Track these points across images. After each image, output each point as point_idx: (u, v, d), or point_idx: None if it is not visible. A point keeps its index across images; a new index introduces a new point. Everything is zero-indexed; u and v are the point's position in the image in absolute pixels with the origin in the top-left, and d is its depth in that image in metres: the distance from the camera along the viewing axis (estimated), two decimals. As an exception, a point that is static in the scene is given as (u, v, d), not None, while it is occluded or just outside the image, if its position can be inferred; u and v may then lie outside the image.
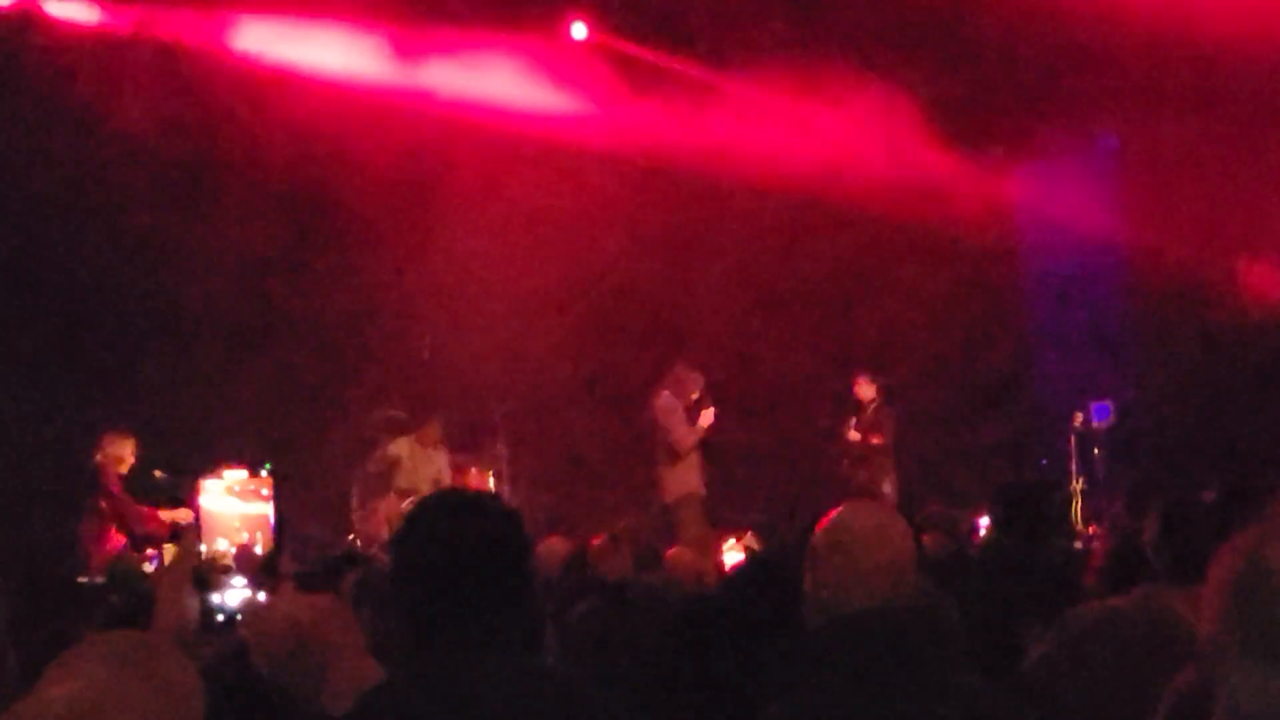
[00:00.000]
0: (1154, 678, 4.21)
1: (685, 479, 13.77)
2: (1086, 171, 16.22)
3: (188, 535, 3.26)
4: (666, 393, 13.86)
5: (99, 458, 12.45)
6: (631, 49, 15.55)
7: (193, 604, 3.65)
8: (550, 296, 15.10)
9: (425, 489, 13.68)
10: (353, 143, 14.08)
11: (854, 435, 14.69)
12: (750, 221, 15.48)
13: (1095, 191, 15.97)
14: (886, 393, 14.79)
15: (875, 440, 14.64)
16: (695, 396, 13.82)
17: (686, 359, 14.03)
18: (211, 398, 14.02)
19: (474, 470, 14.25)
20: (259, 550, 3.21)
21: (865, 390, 14.81)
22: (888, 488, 14.23)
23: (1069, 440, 14.25)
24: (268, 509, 3.14)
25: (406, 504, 13.78)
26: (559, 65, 15.29)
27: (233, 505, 3.06)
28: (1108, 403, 14.33)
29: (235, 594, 3.65)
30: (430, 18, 14.59)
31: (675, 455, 13.75)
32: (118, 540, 12.21)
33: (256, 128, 13.82)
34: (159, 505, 12.64)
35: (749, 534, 12.39)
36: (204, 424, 13.73)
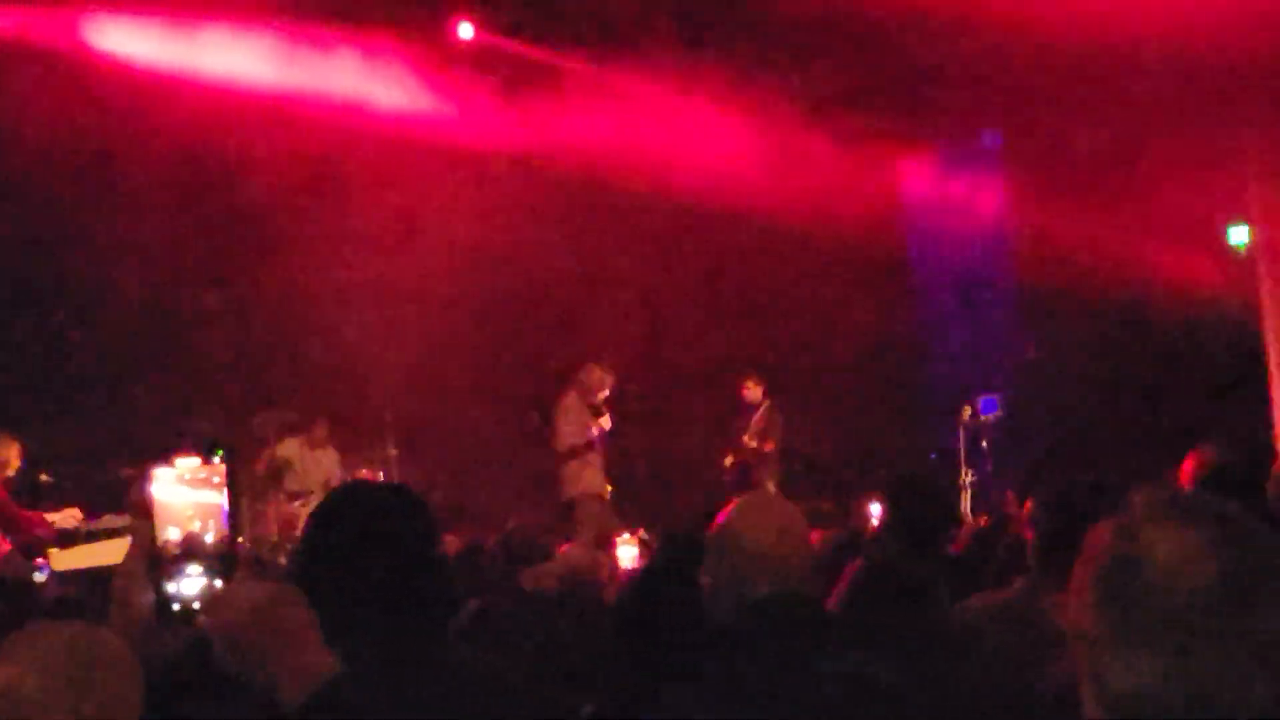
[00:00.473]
0: (1027, 670, 4.32)
1: (583, 478, 13.81)
2: (972, 169, 16.42)
3: (141, 525, 3.21)
4: (573, 393, 13.93)
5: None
6: (518, 49, 15.52)
7: (148, 595, 3.61)
8: (444, 296, 15.04)
9: (315, 490, 13.62)
10: (245, 143, 13.97)
11: (750, 442, 14.86)
12: (645, 222, 15.51)
13: (981, 189, 16.17)
14: (773, 394, 14.97)
15: (767, 447, 14.88)
16: (603, 397, 13.88)
17: (600, 360, 14.07)
18: (93, 401, 13.86)
19: (364, 471, 14.17)
20: (209, 538, 3.19)
21: (753, 393, 14.99)
22: (771, 488, 14.36)
23: (958, 434, 14.40)
24: (220, 497, 3.11)
25: (296, 505, 13.72)
26: (447, 65, 15.22)
27: (184, 494, 3.06)
28: (995, 396, 14.51)
29: (191, 582, 3.60)
30: (315, 18, 14.47)
31: (571, 455, 13.80)
32: (3, 546, 12.02)
33: (148, 131, 13.64)
34: (46, 509, 12.47)
35: (642, 530, 12.43)
36: (87, 425, 13.59)
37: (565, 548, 8.31)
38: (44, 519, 12.30)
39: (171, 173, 13.92)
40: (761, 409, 14.97)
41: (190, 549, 3.62)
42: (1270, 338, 15.12)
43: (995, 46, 13.65)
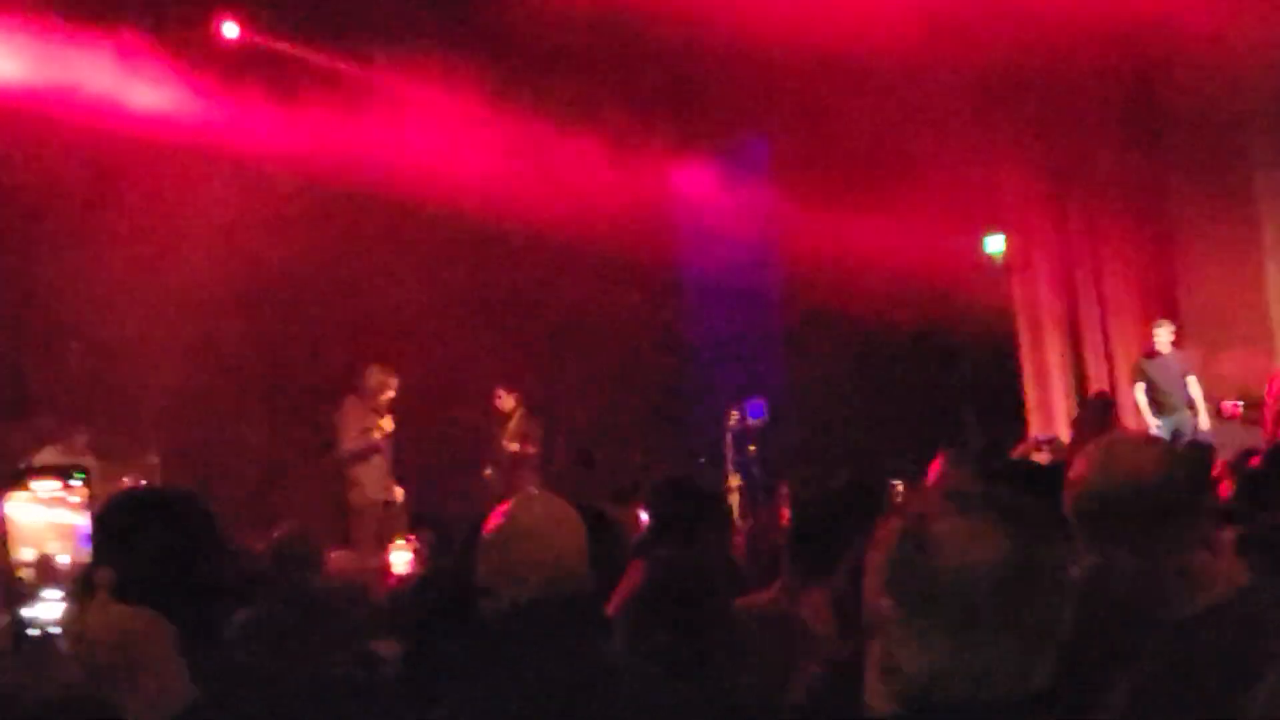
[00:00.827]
0: (783, 671, 4.41)
1: (365, 482, 13.76)
2: (738, 176, 16.62)
3: None
4: (353, 397, 13.83)
5: None
6: (284, 48, 15.29)
7: (2, 619, 3.47)
8: (211, 302, 14.75)
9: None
10: (4, 144, 13.56)
11: (511, 446, 14.94)
12: (415, 228, 15.40)
13: (747, 195, 16.38)
14: (528, 403, 15.10)
15: (529, 450, 14.96)
16: (385, 399, 13.82)
17: (381, 363, 13.97)
18: None
19: (125, 480, 13.84)
20: (63, 560, 3.06)
21: (505, 402, 15.18)
22: (534, 492, 14.40)
23: (725, 438, 14.54)
24: (80, 519, 2.99)
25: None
26: (212, 65, 14.93)
27: (41, 515, 2.93)
28: (762, 400, 14.68)
29: (49, 607, 3.45)
30: (71, 15, 14.09)
31: (353, 459, 13.74)
32: None
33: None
34: None
35: (415, 536, 12.35)
36: None
37: (333, 555, 8.22)
38: None
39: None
40: (516, 415, 15.08)
41: (48, 572, 3.49)
42: (1023, 342, 15.63)
43: (760, 50, 13.84)
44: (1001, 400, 15.15)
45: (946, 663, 2.30)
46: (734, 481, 14.26)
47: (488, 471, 15.14)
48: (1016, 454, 11.74)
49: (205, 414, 14.99)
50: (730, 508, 13.55)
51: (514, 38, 14.69)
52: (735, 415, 14.56)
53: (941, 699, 2.31)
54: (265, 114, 14.82)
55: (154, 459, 14.28)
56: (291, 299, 15.44)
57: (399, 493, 14.12)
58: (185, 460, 14.49)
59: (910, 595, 2.33)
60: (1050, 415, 15.33)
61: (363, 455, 13.80)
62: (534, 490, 14.18)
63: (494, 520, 4.09)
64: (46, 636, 3.40)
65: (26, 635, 3.38)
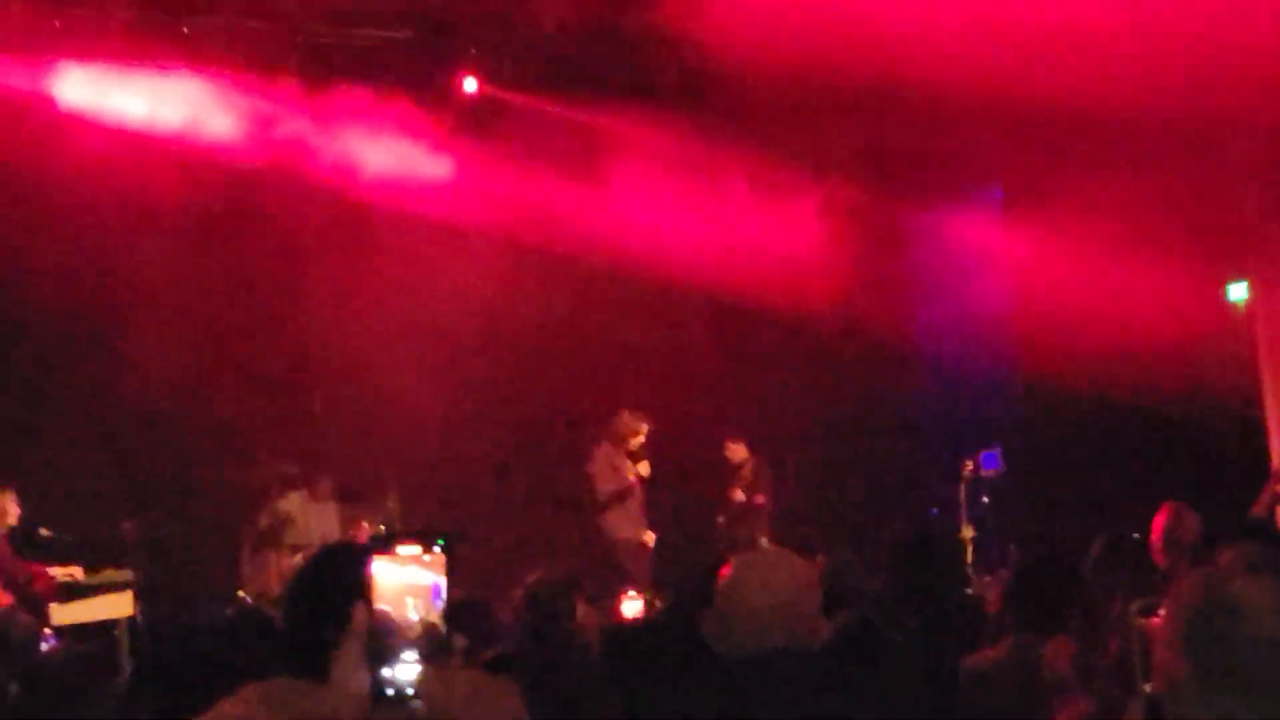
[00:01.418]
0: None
1: (624, 525, 13.99)
2: (970, 226, 16.44)
3: (361, 607, 3.18)
4: (605, 444, 14.08)
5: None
6: (523, 102, 15.46)
7: (364, 677, 3.60)
8: (456, 349, 15.05)
9: (314, 544, 13.58)
10: (243, 195, 14.01)
11: (739, 496, 15.01)
12: (658, 289, 15.44)
13: (979, 244, 16.20)
14: (759, 452, 15.09)
15: (758, 500, 15.05)
16: (637, 443, 14.05)
17: (632, 409, 14.19)
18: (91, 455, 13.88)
19: (364, 524, 14.15)
20: (423, 624, 3.17)
21: (735, 452, 15.30)
22: (764, 542, 14.40)
23: (959, 488, 14.38)
24: (434, 580, 3.07)
25: (296, 559, 13.68)
26: (456, 122, 15.17)
27: (401, 578, 3.03)
28: (996, 451, 14.51)
29: (407, 668, 3.57)
30: (317, 76, 14.47)
31: (610, 502, 13.97)
32: (3, 599, 11.99)
33: (140, 189, 13.66)
34: (46, 562, 12.45)
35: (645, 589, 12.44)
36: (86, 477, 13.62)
37: (580, 610, 8.27)
38: (45, 572, 12.30)
39: (180, 226, 13.97)
40: (747, 465, 15.14)
41: (407, 634, 3.60)
42: (1269, 392, 15.15)
43: (990, 100, 13.68)
44: (1244, 456, 14.71)
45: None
46: (968, 533, 14.10)
47: (720, 520, 15.21)
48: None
49: (446, 458, 15.25)
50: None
51: (745, 94, 14.68)
52: (970, 465, 14.42)
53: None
54: (505, 170, 15.04)
55: (393, 504, 14.56)
56: (536, 349, 15.62)
57: (650, 537, 14.31)
58: (424, 504, 14.74)
59: (1207, 654, 2.38)
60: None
61: (619, 496, 14.04)
62: (764, 542, 14.26)
63: (724, 574, 4.12)
64: (401, 697, 3.48)
65: (384, 695, 3.46)
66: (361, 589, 3.61)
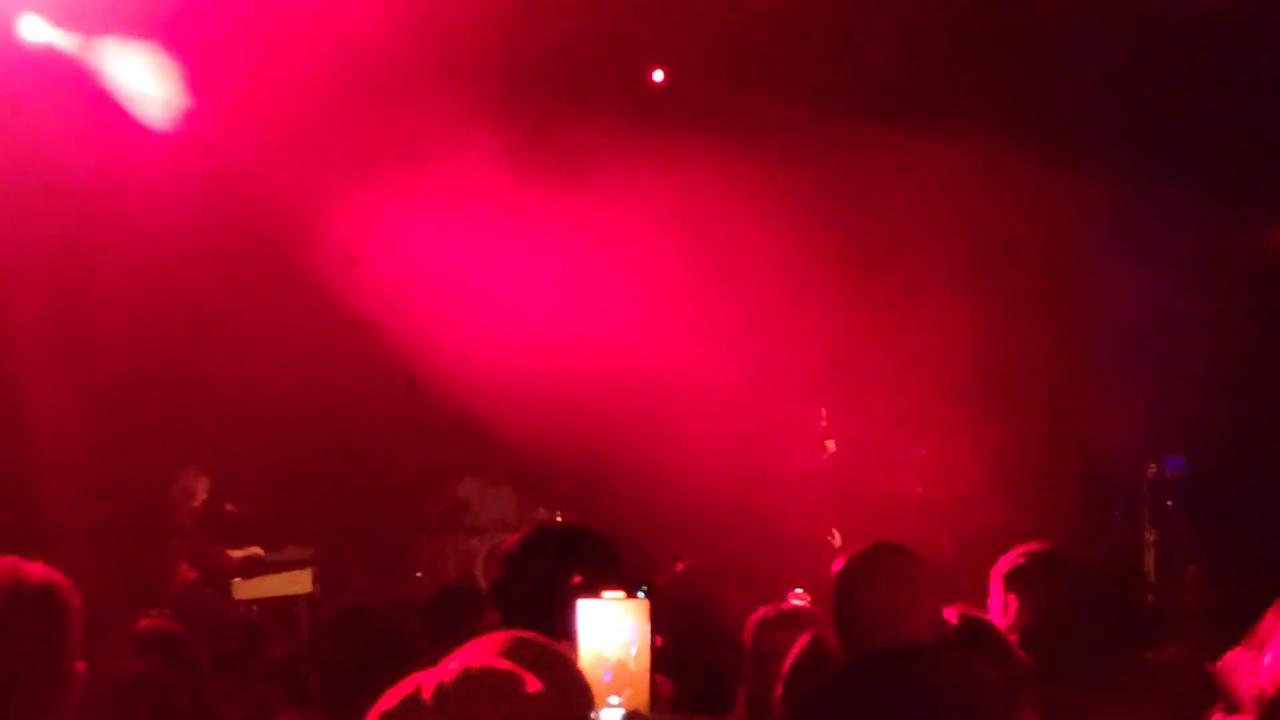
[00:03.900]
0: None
1: None
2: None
3: (568, 650, 3.23)
4: None
5: (172, 493, 12.58)
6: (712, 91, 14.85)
7: None
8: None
9: (490, 529, 13.75)
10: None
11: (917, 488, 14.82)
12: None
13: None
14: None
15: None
16: None
17: None
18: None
19: (541, 509, 14.25)
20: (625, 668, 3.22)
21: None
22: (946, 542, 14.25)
23: (1142, 492, 14.11)
24: (639, 629, 3.13)
25: (473, 543, 13.87)
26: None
27: (607, 623, 3.09)
28: (1180, 454, 14.21)
29: (612, 713, 3.62)
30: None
31: None
32: (188, 574, 12.33)
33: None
34: (229, 541, 12.79)
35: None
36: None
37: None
38: (224, 551, 12.64)
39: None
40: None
41: (607, 679, 3.63)
42: None
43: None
44: None
45: None
46: (1150, 536, 13.84)
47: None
48: None
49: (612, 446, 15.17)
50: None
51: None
52: (1153, 468, 14.13)
53: None
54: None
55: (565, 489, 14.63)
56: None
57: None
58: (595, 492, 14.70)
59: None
60: None
61: None
62: (945, 541, 14.08)
63: (841, 566, 4.13)
64: None
65: None
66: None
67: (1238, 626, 5.26)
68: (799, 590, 10.56)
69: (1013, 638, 4.75)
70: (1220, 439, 15.29)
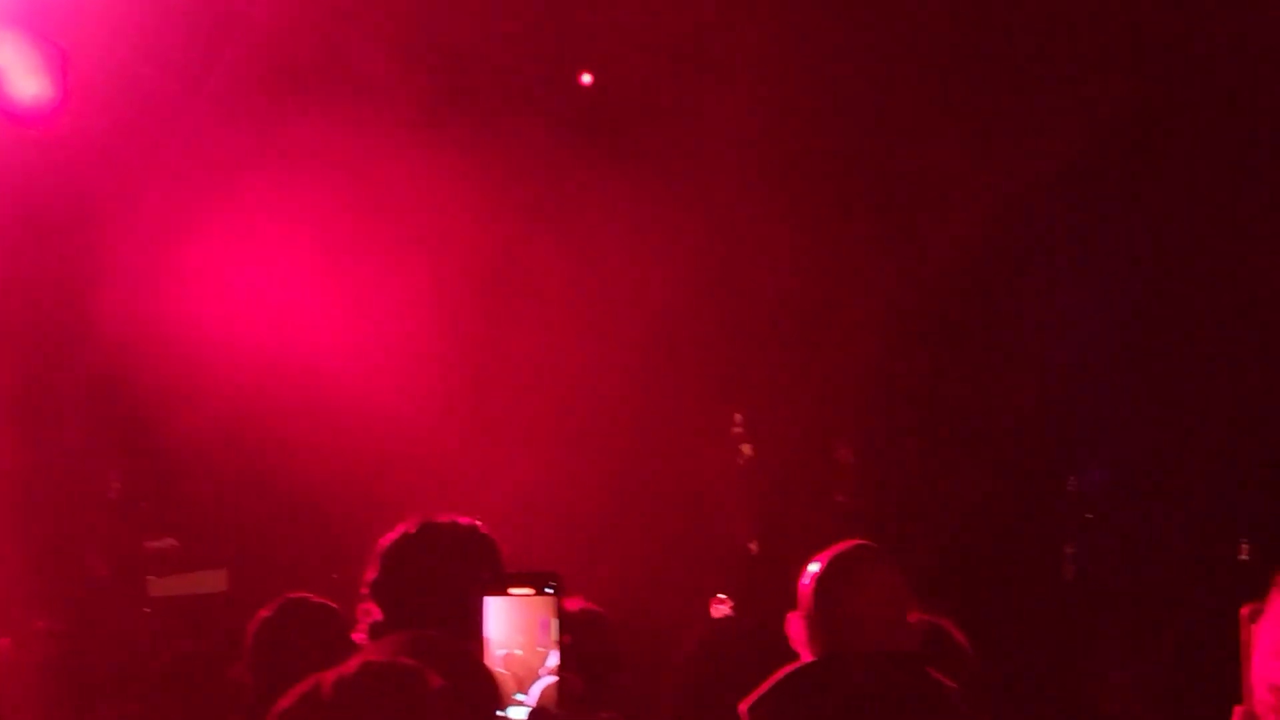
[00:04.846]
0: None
1: None
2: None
3: (474, 647, 3.19)
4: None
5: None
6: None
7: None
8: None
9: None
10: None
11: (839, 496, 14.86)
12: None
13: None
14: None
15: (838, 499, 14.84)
16: None
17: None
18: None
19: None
20: (528, 662, 3.19)
21: (843, 454, 14.96)
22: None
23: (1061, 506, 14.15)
24: (545, 618, 3.09)
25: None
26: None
27: (511, 619, 3.06)
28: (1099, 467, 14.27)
29: (518, 710, 3.58)
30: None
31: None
32: (100, 570, 12.19)
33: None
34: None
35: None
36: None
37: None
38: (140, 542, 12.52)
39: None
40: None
41: (515, 676, 3.60)
42: None
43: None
44: None
45: None
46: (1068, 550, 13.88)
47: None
48: None
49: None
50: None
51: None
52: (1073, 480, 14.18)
53: None
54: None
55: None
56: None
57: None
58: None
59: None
60: None
61: None
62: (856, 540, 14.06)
63: (818, 574, 4.09)
64: None
65: None
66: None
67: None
68: (721, 595, 10.60)
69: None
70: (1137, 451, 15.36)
